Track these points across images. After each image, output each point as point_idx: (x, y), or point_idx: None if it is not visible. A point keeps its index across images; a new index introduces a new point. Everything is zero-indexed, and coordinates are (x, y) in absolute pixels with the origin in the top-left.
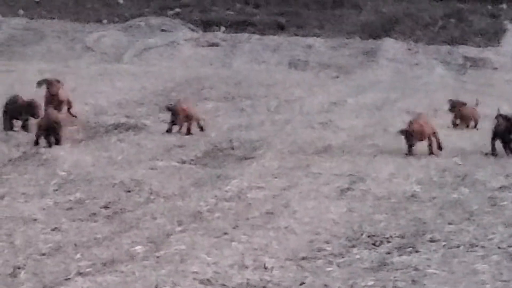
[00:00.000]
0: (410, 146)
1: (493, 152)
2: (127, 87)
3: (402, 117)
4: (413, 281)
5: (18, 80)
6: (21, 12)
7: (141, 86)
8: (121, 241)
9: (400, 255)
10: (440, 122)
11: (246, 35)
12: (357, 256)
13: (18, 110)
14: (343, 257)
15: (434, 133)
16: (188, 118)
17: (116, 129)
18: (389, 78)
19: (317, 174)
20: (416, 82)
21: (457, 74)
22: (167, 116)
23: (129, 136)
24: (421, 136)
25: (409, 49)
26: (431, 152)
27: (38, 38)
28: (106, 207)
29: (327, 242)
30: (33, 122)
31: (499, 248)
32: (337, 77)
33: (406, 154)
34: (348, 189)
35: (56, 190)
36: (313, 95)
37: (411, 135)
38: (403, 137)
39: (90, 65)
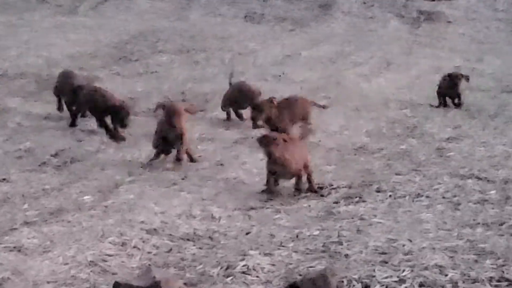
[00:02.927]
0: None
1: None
2: (82, 39)
3: (355, 70)
4: (358, 230)
5: None
6: None
7: (95, 39)
8: (70, 191)
9: (346, 205)
10: (395, 76)
11: None
12: (305, 206)
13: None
14: (290, 207)
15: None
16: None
17: None
18: (344, 31)
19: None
20: (370, 35)
21: (411, 28)
22: (120, 68)
23: None
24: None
25: (364, 3)
26: (311, 190)
27: None
28: (56, 155)
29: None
30: None
31: (443, 198)
32: (292, 30)
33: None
34: None
35: (6, 140)
36: (268, 48)
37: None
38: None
39: (45, 17)
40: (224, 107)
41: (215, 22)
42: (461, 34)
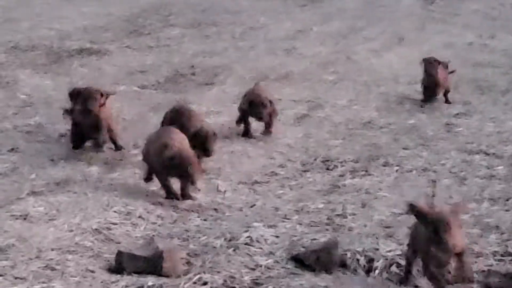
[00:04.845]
0: None
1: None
2: (93, 12)
3: (366, 45)
4: (363, 204)
5: None
6: None
7: (107, 12)
8: (77, 162)
9: (352, 178)
10: (406, 52)
11: None
12: (310, 180)
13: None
14: (296, 180)
15: None
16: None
17: (79, 54)
18: (357, 6)
19: (276, 100)
20: (383, 11)
21: (424, 3)
22: (131, 41)
23: (91, 61)
24: None
25: None
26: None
27: None
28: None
29: (281, 166)
30: None
31: (450, 172)
32: (305, 5)
33: None
34: (306, 115)
35: (16, 114)
36: (279, 22)
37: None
38: None
39: None
40: None
41: None
42: (475, 10)
